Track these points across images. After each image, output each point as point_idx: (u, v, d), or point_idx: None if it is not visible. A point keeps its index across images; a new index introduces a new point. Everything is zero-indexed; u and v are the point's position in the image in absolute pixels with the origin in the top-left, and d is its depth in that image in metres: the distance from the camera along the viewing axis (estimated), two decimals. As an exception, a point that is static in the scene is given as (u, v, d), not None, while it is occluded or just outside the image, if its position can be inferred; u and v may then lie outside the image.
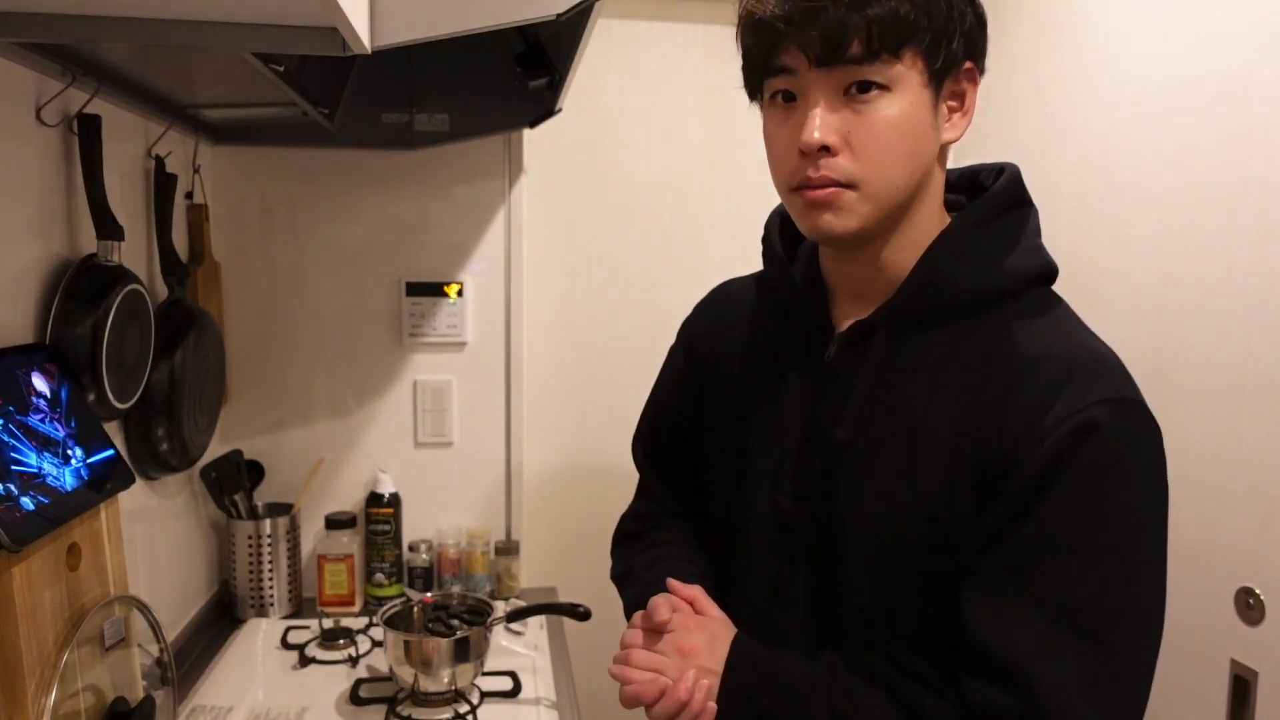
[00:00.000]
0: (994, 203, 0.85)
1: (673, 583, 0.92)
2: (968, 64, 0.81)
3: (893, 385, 0.83)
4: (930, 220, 0.85)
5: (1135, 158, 1.45)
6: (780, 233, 0.95)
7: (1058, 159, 1.63)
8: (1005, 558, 0.76)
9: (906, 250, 0.84)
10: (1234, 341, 1.26)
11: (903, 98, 0.77)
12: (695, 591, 0.91)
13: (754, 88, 0.85)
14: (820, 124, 0.77)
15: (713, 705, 0.84)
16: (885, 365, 0.84)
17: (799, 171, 0.79)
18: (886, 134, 0.77)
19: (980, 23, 0.82)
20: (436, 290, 1.78)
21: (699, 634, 0.87)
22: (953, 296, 0.82)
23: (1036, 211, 0.88)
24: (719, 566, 0.99)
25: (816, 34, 0.75)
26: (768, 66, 0.80)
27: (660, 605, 0.89)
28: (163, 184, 1.35)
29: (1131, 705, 0.77)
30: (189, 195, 1.55)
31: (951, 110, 0.82)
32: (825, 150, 0.77)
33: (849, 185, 0.78)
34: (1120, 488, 0.76)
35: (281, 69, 1.07)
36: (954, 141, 0.84)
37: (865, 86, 0.76)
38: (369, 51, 0.79)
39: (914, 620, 0.82)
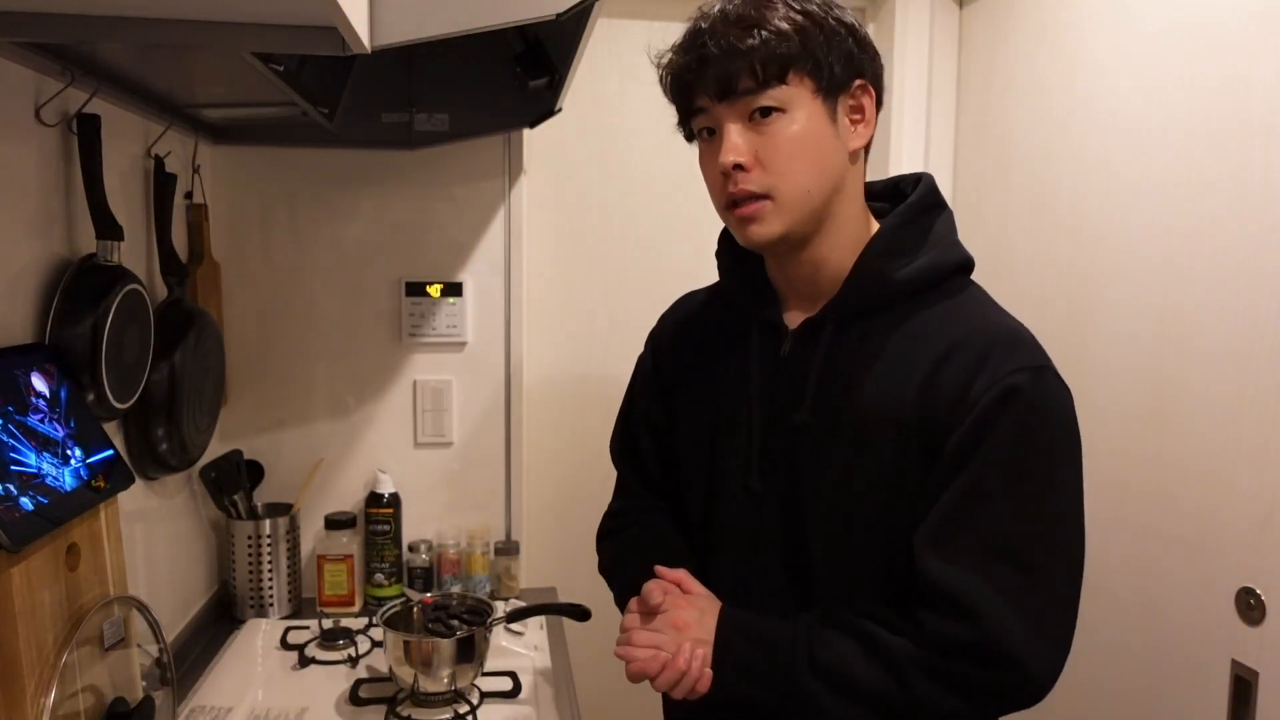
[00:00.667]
0: (915, 207, 0.98)
1: (660, 568, 1.02)
2: (859, 80, 0.93)
3: (842, 371, 0.95)
4: (854, 222, 0.97)
5: (1136, 154, 1.45)
6: (730, 247, 1.07)
7: (1058, 158, 1.63)
8: (948, 507, 0.88)
9: (837, 250, 0.97)
10: (1234, 341, 1.26)
11: (799, 115, 0.90)
12: (681, 574, 1.02)
13: (687, 130, 0.99)
14: (732, 147, 0.91)
15: (709, 671, 0.94)
16: (834, 354, 0.96)
17: (725, 191, 0.93)
18: (789, 148, 0.90)
19: (861, 45, 0.94)
20: (436, 290, 1.78)
21: (689, 610, 0.97)
22: (887, 289, 0.95)
23: (951, 213, 1.01)
24: (699, 551, 1.09)
25: (712, 76, 0.90)
26: (688, 110, 0.95)
27: (653, 589, 0.99)
28: (162, 184, 1.35)
29: (1061, 628, 0.89)
30: (189, 195, 1.55)
31: (854, 121, 0.95)
32: (740, 168, 0.91)
33: (766, 196, 0.91)
34: (1040, 441, 0.88)
35: (281, 69, 1.07)
36: (860, 148, 0.96)
37: (765, 111, 0.90)
38: (369, 51, 0.79)
39: (877, 577, 0.94)
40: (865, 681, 0.89)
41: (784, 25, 0.89)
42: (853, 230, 0.97)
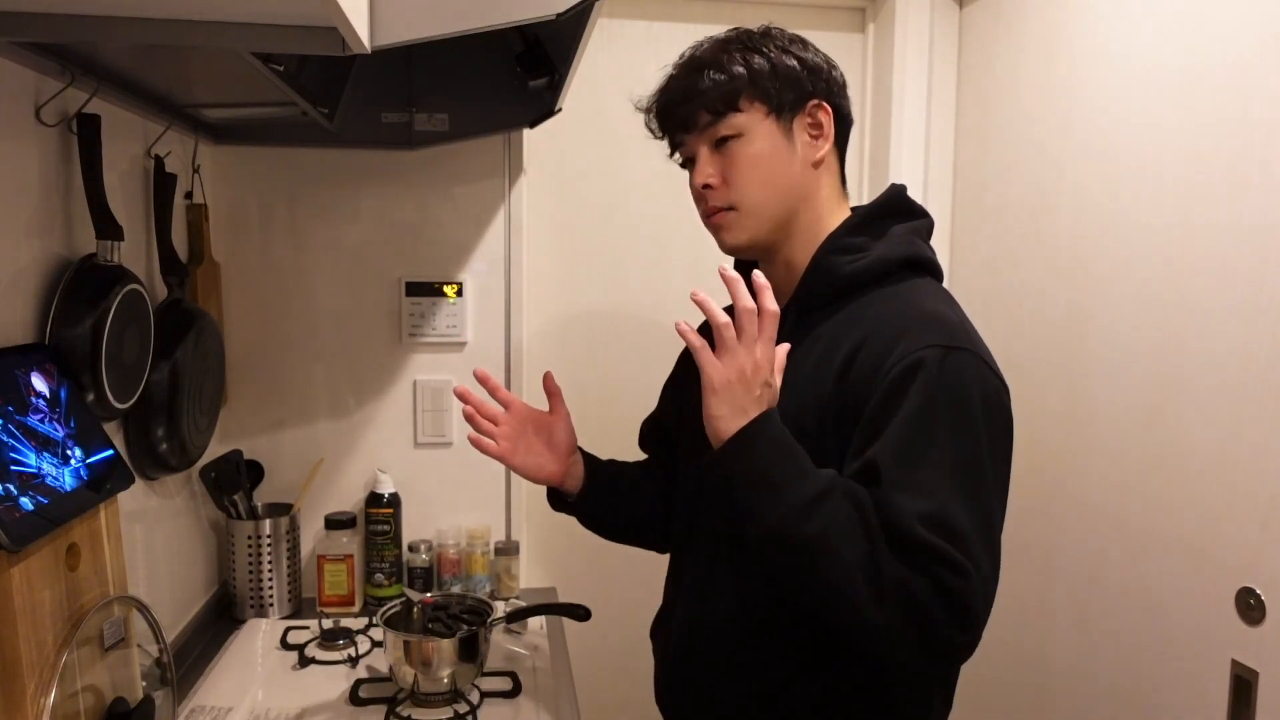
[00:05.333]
0: (867, 212, 1.08)
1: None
2: (814, 101, 1.06)
3: (794, 353, 1.03)
4: (819, 224, 1.08)
5: (1136, 155, 1.45)
6: (744, 264, 1.18)
7: (1058, 158, 1.63)
8: (889, 476, 0.89)
9: (803, 251, 1.07)
10: (1235, 340, 1.26)
11: (755, 137, 1.04)
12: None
13: (680, 161, 1.14)
14: (699, 171, 1.07)
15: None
16: (791, 340, 1.04)
17: (701, 207, 1.09)
18: (746, 167, 1.04)
19: (813, 72, 1.06)
20: (437, 290, 1.78)
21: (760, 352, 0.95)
22: (835, 282, 1.05)
23: (925, 222, 1.10)
24: (684, 526, 1.17)
25: (677, 117, 1.07)
26: (671, 143, 1.11)
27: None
28: (162, 184, 1.35)
29: (987, 602, 0.91)
30: (188, 195, 1.55)
31: (813, 136, 1.07)
32: (709, 188, 1.06)
33: (730, 208, 1.06)
34: (944, 413, 0.92)
35: (281, 69, 1.07)
36: (822, 158, 1.07)
37: (725, 139, 1.05)
38: (369, 51, 0.79)
39: None
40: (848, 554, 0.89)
41: (734, 66, 1.04)
42: (820, 234, 1.07)
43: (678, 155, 1.12)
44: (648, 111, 1.12)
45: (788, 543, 0.90)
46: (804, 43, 1.08)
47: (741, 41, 1.06)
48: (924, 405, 0.91)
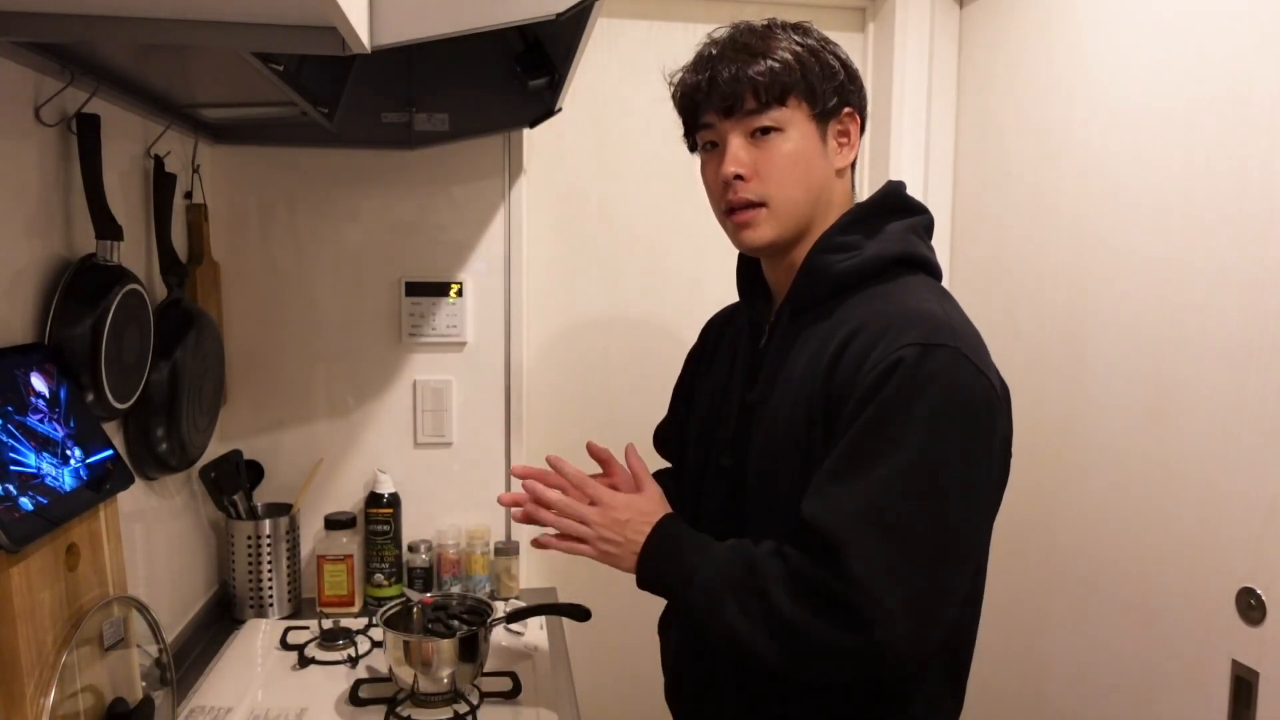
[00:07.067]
0: (861, 209, 1.07)
1: (629, 446, 1.14)
2: (847, 109, 1.06)
3: (788, 354, 1.05)
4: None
5: (1137, 153, 1.45)
6: (743, 260, 1.20)
7: (1058, 158, 1.63)
8: (830, 466, 0.94)
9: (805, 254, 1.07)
10: (1234, 341, 1.26)
11: (794, 134, 1.02)
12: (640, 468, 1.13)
13: (691, 143, 1.11)
14: (733, 159, 1.02)
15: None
16: (786, 340, 1.06)
17: (724, 198, 1.05)
18: (783, 162, 1.02)
19: (851, 78, 1.06)
20: (436, 290, 1.78)
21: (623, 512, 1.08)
22: (828, 281, 1.04)
23: (923, 219, 1.08)
24: (684, 519, 1.16)
25: (719, 95, 1.02)
26: (696, 124, 1.07)
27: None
28: (162, 184, 1.35)
29: (930, 596, 0.92)
30: (188, 195, 1.55)
31: (840, 144, 1.06)
32: (740, 178, 1.02)
33: (760, 203, 1.03)
34: (918, 411, 0.91)
35: (281, 69, 1.07)
36: (845, 167, 1.07)
37: (765, 130, 1.02)
38: (369, 51, 0.79)
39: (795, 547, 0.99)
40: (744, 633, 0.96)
41: (786, 56, 1.01)
42: None
43: (703, 136, 1.07)
44: (678, 85, 1.08)
45: (709, 631, 1.00)
46: (837, 45, 1.07)
47: (790, 33, 1.04)
48: (892, 402, 0.91)
